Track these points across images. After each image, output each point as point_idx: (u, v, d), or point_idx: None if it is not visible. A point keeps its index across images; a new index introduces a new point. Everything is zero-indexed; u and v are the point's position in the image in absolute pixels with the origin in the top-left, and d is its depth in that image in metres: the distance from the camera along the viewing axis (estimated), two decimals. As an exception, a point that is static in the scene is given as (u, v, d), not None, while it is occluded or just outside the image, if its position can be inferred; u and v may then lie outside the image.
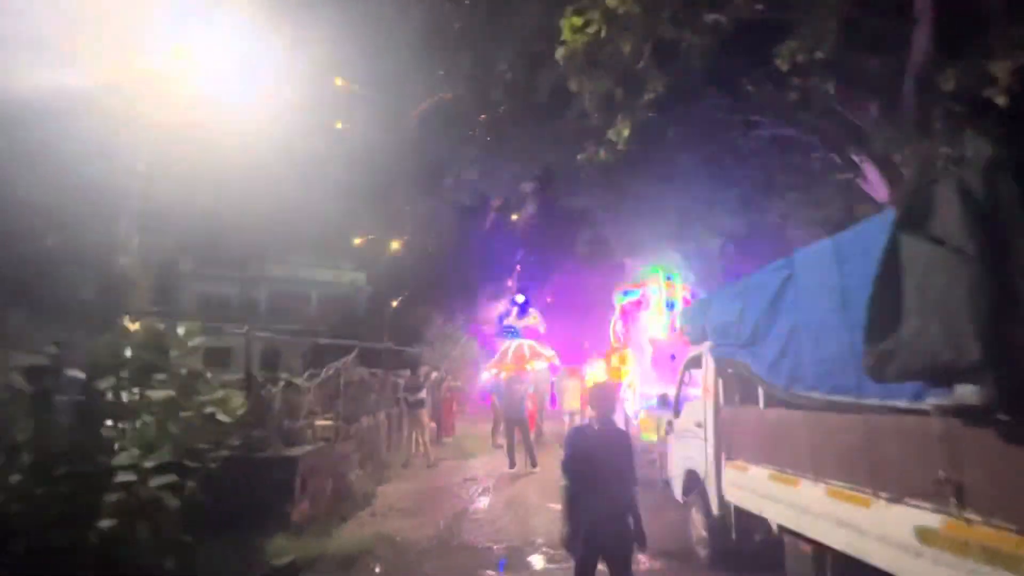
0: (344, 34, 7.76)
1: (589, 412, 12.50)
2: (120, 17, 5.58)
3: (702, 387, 5.08)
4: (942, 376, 2.10)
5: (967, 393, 2.02)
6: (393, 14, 8.29)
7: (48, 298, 6.36)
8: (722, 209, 11.04)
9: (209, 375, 5.70)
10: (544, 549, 5.49)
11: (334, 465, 6.83)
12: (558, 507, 7.03)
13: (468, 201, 12.94)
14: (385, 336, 17.14)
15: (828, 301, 3.06)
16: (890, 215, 2.56)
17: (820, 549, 3.16)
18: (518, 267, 24.10)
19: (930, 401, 2.25)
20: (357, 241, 20.38)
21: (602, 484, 3.04)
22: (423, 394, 10.47)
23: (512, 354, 14.96)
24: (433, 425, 11.82)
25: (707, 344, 4.84)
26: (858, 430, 2.82)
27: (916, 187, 2.41)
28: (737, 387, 4.54)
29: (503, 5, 7.88)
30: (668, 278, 10.91)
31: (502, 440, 10.51)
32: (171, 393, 4.85)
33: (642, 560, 4.70)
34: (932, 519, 2.32)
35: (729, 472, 4.43)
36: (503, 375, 13.63)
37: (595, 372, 13.33)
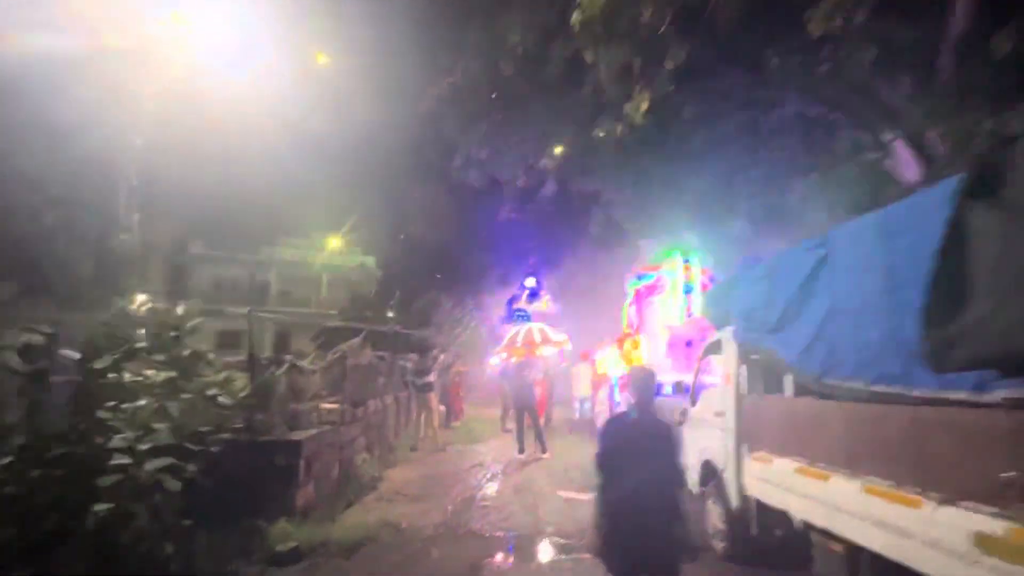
0: (347, 4, 7.43)
1: (600, 398, 12.28)
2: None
3: (722, 375, 4.82)
4: (1018, 364, 1.83)
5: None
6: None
7: (45, 276, 6.23)
8: (740, 190, 10.63)
9: (212, 356, 5.58)
10: (554, 538, 5.34)
11: (340, 449, 6.71)
12: (568, 495, 6.98)
13: (477, 182, 12.61)
14: (393, 319, 17.03)
15: (871, 281, 2.77)
16: (951, 183, 2.27)
17: (854, 549, 2.92)
18: (529, 251, 23.80)
19: (999, 393, 1.98)
20: (364, 224, 20.19)
21: (642, 483, 2.64)
22: (432, 377, 10.34)
23: (522, 339, 14.77)
24: (442, 409, 11.71)
25: (729, 329, 4.57)
26: (904, 423, 2.55)
27: (987, 150, 2.11)
28: (761, 375, 4.28)
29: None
30: (686, 261, 10.55)
31: (511, 425, 10.38)
32: (171, 374, 4.72)
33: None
34: (994, 525, 2.06)
35: (751, 464, 4.19)
36: (513, 360, 13.47)
37: (606, 357, 13.10)
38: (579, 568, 4.54)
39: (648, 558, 2.65)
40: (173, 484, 4.13)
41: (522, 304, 22.51)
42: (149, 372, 4.75)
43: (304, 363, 6.81)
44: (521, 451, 9.26)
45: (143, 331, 4.46)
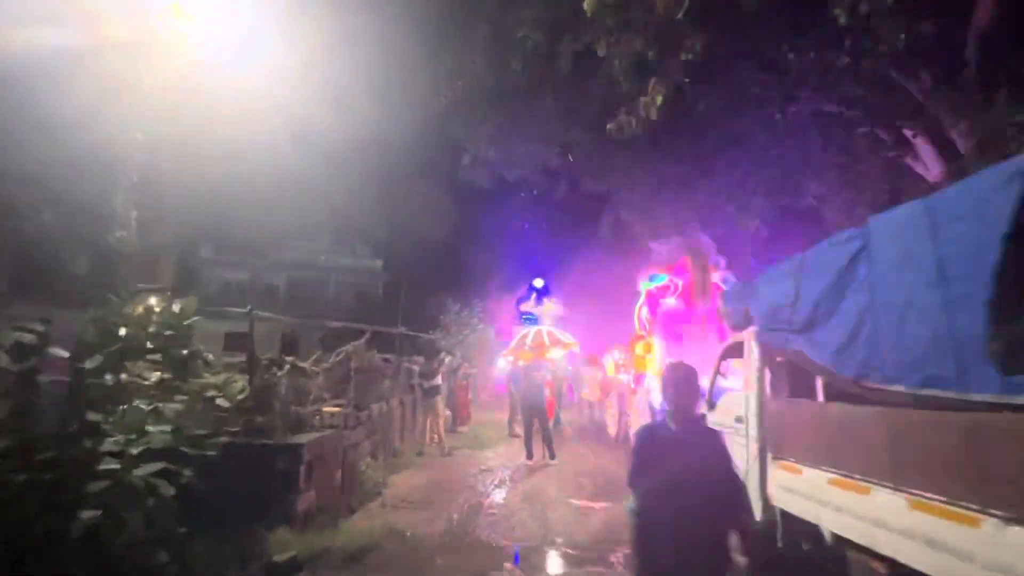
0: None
1: (610, 403, 11.96)
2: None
3: (744, 378, 4.57)
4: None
5: None
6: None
7: (40, 273, 6.10)
8: (754, 190, 10.36)
9: (210, 356, 5.40)
10: (564, 549, 5.10)
11: (343, 453, 6.50)
12: (578, 503, 6.75)
13: (486, 183, 12.44)
14: (400, 322, 16.87)
15: (917, 275, 2.53)
16: (1016, 164, 2.03)
17: (898, 568, 2.67)
18: (537, 253, 23.61)
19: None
20: (372, 226, 20.11)
21: (687, 510, 2.12)
22: (438, 380, 10.13)
23: (531, 341, 14.54)
24: (448, 413, 11.49)
25: (752, 330, 4.32)
26: (960, 432, 2.30)
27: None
28: (787, 378, 4.03)
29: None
30: (699, 262, 10.29)
31: (519, 430, 10.13)
32: (166, 375, 4.54)
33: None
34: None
35: (776, 473, 3.93)
36: (521, 362, 13.23)
37: (616, 361, 12.84)
38: (592, 582, 4.30)
39: None
40: (167, 489, 3.94)
41: (530, 306, 22.27)
42: (144, 372, 4.58)
43: (306, 364, 6.62)
44: (530, 457, 9.01)
45: (136, 329, 4.27)
